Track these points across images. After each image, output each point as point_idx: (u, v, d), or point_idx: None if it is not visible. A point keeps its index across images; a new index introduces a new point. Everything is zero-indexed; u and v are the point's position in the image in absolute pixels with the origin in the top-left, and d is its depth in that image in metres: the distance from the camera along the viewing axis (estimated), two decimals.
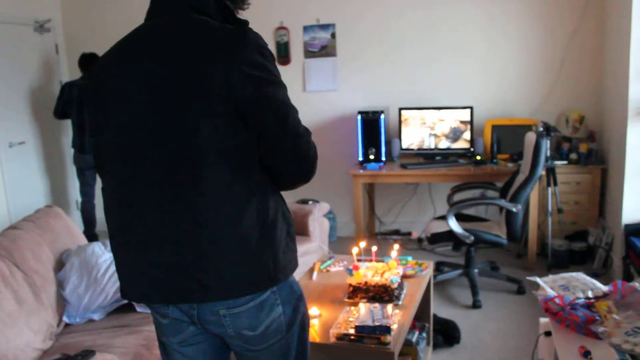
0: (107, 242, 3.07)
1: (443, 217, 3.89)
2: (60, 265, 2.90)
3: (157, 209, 1.43)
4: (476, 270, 3.98)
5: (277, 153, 1.47)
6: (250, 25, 1.50)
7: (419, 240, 5.15)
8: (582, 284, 2.47)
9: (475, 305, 3.78)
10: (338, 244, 5.05)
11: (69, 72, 5.74)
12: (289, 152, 1.47)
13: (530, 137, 3.84)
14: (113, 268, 2.85)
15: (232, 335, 1.53)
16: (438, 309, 3.67)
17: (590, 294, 2.37)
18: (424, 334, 2.90)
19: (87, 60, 5.10)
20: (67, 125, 5.38)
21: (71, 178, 5.75)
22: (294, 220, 1.78)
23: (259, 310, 1.50)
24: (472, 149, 4.78)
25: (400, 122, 4.92)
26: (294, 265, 1.59)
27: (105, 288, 2.79)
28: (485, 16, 4.86)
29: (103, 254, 2.92)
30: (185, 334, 1.58)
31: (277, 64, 1.49)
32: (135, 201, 1.46)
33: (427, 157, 4.89)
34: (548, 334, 2.39)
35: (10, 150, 5.13)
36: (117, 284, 2.82)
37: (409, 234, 5.25)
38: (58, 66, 5.72)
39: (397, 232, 5.29)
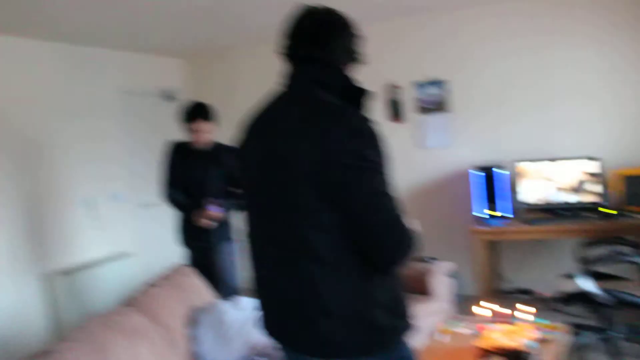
0: (238, 300, 3.17)
1: (573, 275, 3.65)
2: (190, 321, 3.02)
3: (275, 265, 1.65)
4: (620, 335, 3.67)
5: (366, 240, 1.48)
6: (361, 85, 1.60)
7: (550, 299, 4.85)
8: None
9: None
10: (460, 303, 4.86)
11: None
12: (378, 240, 1.47)
13: None
14: (242, 326, 2.94)
15: None
16: None
17: None
18: None
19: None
20: None
21: None
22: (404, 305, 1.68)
23: None
24: (600, 202, 4.51)
25: (518, 175, 4.75)
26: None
27: (236, 345, 2.88)
28: (604, 61, 4.66)
29: (233, 312, 3.02)
30: None
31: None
32: (259, 252, 1.71)
33: (551, 211, 4.66)
34: None
35: (143, 210, 5.52)
36: (247, 341, 2.90)
37: (532, 292, 4.98)
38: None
39: (521, 291, 5.03)
